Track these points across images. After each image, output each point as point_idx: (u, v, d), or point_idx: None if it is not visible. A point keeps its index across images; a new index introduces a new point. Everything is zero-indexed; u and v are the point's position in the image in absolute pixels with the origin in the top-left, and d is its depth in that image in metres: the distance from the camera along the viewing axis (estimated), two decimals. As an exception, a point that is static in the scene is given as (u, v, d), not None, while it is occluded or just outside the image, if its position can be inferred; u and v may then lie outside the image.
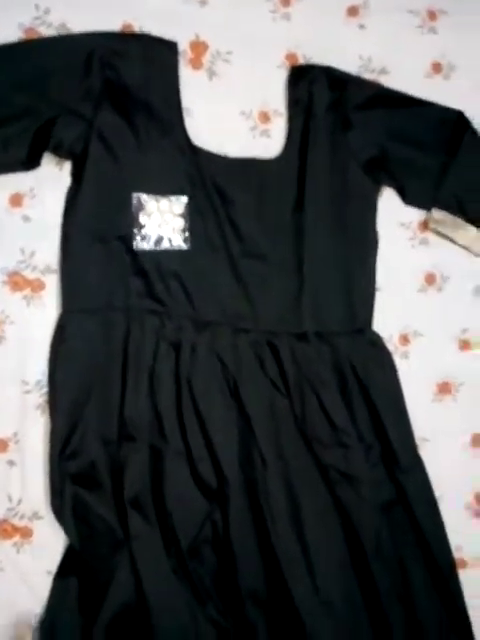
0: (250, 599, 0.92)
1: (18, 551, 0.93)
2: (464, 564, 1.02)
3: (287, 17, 1.10)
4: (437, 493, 1.00)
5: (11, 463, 0.94)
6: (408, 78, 1.11)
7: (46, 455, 0.93)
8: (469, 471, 1.07)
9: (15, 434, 0.94)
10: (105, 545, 0.90)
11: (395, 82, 1.10)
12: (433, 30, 1.15)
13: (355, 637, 0.93)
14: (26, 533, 0.93)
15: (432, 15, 1.15)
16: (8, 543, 0.93)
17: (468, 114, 1.10)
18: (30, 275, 0.98)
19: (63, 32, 1.02)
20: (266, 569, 0.93)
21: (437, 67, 1.14)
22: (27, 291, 0.97)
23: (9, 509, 0.93)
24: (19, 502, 0.93)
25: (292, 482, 0.96)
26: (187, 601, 0.90)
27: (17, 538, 0.93)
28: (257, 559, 0.93)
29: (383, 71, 1.11)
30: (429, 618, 0.95)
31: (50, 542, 0.93)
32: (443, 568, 0.97)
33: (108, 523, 0.90)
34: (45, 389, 0.95)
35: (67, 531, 0.90)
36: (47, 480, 0.92)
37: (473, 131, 1.10)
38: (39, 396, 0.95)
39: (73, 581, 0.91)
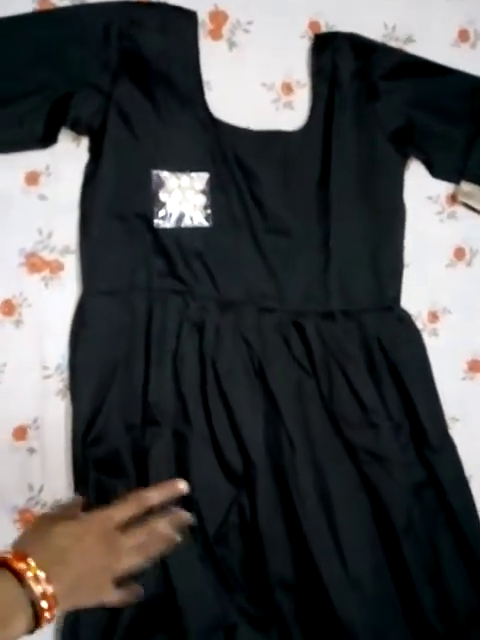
0: (279, 585, 0.89)
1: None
2: (496, 545, 0.98)
3: (309, -16, 1.04)
4: (468, 473, 0.97)
5: (31, 451, 0.90)
6: (434, 46, 1.06)
7: (68, 442, 0.89)
8: (500, 451, 1.03)
9: (35, 420, 0.90)
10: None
11: (421, 50, 1.05)
12: (459, -5, 1.09)
13: (386, 618, 0.90)
14: (49, 523, 0.90)
15: (459, -20, 1.09)
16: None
17: (496, 83, 1.05)
18: (48, 256, 0.93)
19: (78, 2, 0.96)
20: (295, 554, 0.90)
21: (464, 34, 1.08)
22: (45, 273, 0.93)
23: (30, 498, 0.89)
24: (40, 490, 0.89)
25: (320, 464, 0.92)
26: (215, 589, 0.86)
27: (40, 527, 0.90)
28: (286, 544, 0.90)
29: (409, 39, 1.06)
30: (460, 599, 0.93)
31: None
32: (475, 549, 0.93)
33: None
34: (65, 374, 0.91)
35: (91, 519, 0.87)
36: (69, 467, 0.88)
37: (503, 100, 1.05)
38: (59, 381, 0.91)
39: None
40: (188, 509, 0.86)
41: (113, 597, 0.73)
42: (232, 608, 0.87)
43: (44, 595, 0.63)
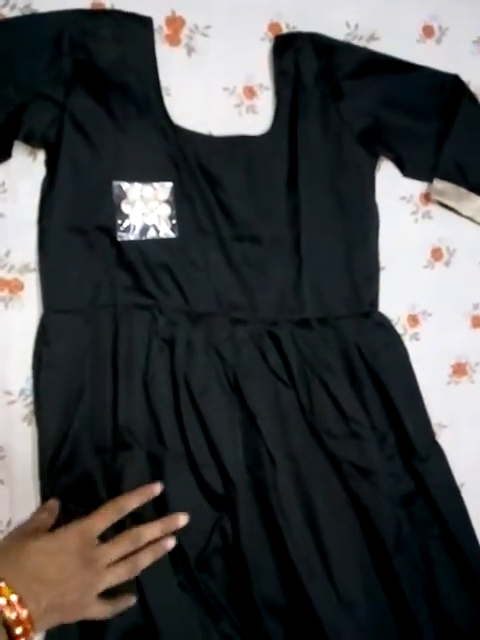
0: (267, 610, 0.81)
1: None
2: (491, 554, 0.90)
3: (267, -15, 0.97)
4: (458, 481, 0.90)
5: (-2, 481, 0.82)
6: (399, 43, 0.99)
7: (36, 470, 0.80)
8: (491, 456, 0.96)
9: (1, 449, 0.82)
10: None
11: (385, 48, 0.98)
12: (420, -9, 1.03)
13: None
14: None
15: (417, -25, 1.03)
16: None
17: (463, 78, 0.98)
18: (7, 275, 0.85)
19: (28, 13, 0.88)
20: (282, 576, 0.82)
21: (428, 30, 1.01)
22: (5, 293, 0.85)
23: (-1, 532, 0.81)
24: (8, 524, 0.80)
25: (304, 480, 0.85)
26: (199, 618, 0.79)
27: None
28: (272, 566, 0.82)
29: (372, 37, 0.99)
30: (459, 614, 0.86)
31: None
32: (470, 560, 0.87)
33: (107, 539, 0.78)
34: (31, 398, 0.83)
35: (62, 551, 0.78)
36: (38, 497, 0.79)
37: (470, 95, 0.98)
38: (24, 406, 0.83)
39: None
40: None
41: (97, 613, 0.67)
42: (218, 637, 0.79)
43: (18, 620, 0.58)
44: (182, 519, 0.74)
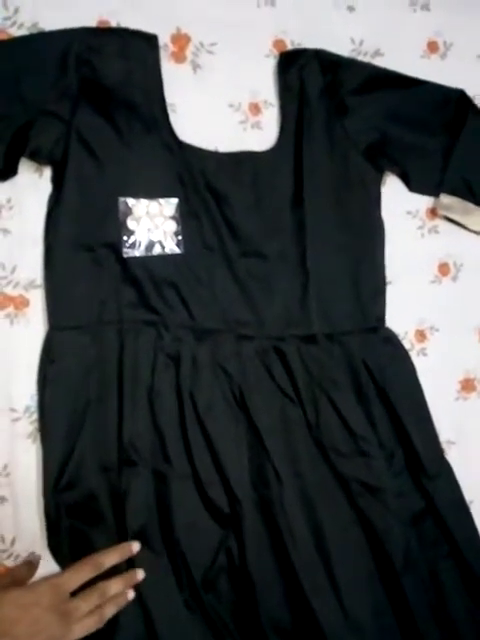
0: (273, 630, 0.79)
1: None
2: (502, 574, 0.87)
3: (272, 2, 0.95)
4: (467, 499, 0.87)
5: (2, 499, 0.79)
6: (403, 59, 0.97)
7: (40, 488, 0.78)
8: (501, 473, 0.94)
9: (5, 467, 0.80)
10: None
11: (390, 64, 0.96)
12: (426, 7, 1.01)
13: (390, 662, 0.80)
14: (23, 576, 0.79)
15: (423, -9, 1.02)
16: (3, 588, 0.78)
17: (469, 93, 0.97)
18: (12, 292, 0.83)
19: (35, 31, 0.87)
20: (289, 596, 0.80)
21: (433, 46, 1.00)
22: (10, 309, 0.83)
23: (2, 551, 0.78)
24: (12, 542, 0.78)
25: (311, 498, 0.83)
26: (203, 638, 0.77)
27: (13, 582, 0.78)
28: (279, 586, 0.80)
29: (377, 53, 0.97)
30: (469, 634, 0.83)
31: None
32: (480, 578, 0.84)
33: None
34: (35, 415, 0.81)
35: (66, 571, 0.77)
36: (42, 516, 0.77)
37: (476, 109, 0.97)
38: (29, 423, 0.81)
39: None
40: (172, 553, 0.78)
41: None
42: (224, 659, 0.77)
43: None
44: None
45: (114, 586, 0.72)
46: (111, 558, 0.73)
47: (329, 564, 0.80)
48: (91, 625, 0.69)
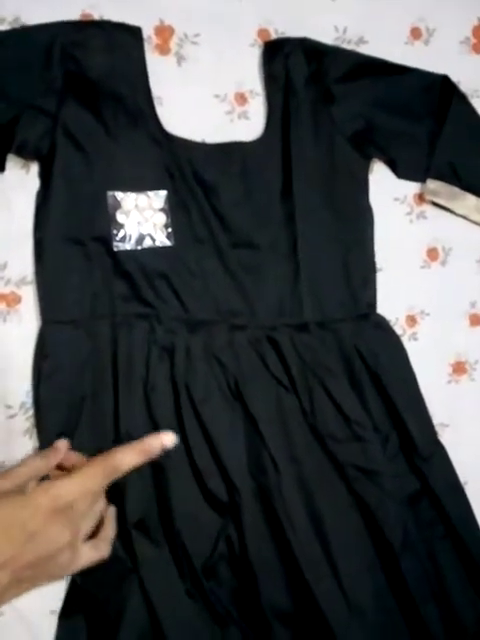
0: (275, 616, 0.79)
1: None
2: (497, 552, 0.88)
3: (254, -8, 0.95)
4: (462, 480, 0.88)
5: None
6: (387, 46, 0.97)
7: (37, 484, 0.78)
8: (494, 454, 0.94)
9: (2, 464, 0.80)
10: (111, 575, 0.76)
11: (374, 51, 0.96)
12: (407, -8, 1.01)
13: (390, 640, 0.81)
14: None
15: (404, -23, 1.01)
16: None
17: (453, 78, 0.96)
18: (4, 289, 0.83)
19: (17, 26, 0.86)
20: (289, 581, 0.80)
21: (416, 32, 0.99)
22: (2, 306, 0.83)
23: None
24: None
25: (308, 484, 0.83)
26: (206, 625, 0.77)
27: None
28: (279, 572, 0.80)
29: (361, 41, 0.97)
30: (467, 614, 0.84)
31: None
32: (476, 558, 0.85)
33: (112, 551, 0.76)
34: (31, 411, 0.81)
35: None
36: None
37: (460, 95, 0.96)
38: (25, 419, 0.81)
39: (80, 620, 0.78)
40: (172, 543, 0.78)
41: (83, 563, 0.57)
42: (226, 645, 0.77)
43: None
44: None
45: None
46: (130, 457, 0.57)
47: (328, 549, 0.80)
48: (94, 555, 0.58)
